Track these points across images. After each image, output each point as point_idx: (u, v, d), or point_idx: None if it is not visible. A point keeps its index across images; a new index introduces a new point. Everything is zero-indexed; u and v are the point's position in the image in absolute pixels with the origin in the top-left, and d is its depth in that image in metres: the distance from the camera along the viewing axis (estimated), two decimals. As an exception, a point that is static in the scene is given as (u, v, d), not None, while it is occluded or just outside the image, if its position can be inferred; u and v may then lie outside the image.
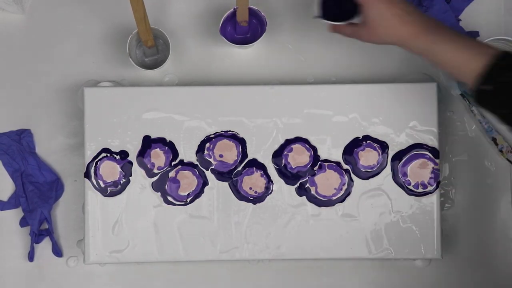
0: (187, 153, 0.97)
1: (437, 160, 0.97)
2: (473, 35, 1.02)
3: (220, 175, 0.97)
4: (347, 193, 0.97)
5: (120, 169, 0.97)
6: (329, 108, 0.97)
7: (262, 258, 0.97)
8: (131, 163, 0.97)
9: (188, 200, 0.97)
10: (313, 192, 0.97)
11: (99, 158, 0.97)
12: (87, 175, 0.97)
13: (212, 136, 0.98)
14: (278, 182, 0.97)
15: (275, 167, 0.97)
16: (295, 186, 0.97)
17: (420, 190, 0.97)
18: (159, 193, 0.97)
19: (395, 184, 0.97)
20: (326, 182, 0.97)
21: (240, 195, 0.97)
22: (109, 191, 0.97)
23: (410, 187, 0.97)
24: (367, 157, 0.97)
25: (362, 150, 0.97)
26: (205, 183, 0.97)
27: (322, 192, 0.97)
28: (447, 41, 0.78)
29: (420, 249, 0.96)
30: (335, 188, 0.97)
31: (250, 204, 0.97)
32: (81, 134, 0.98)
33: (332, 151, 0.97)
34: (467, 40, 0.77)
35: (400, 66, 1.03)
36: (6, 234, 1.02)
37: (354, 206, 0.97)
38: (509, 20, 1.03)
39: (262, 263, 1.01)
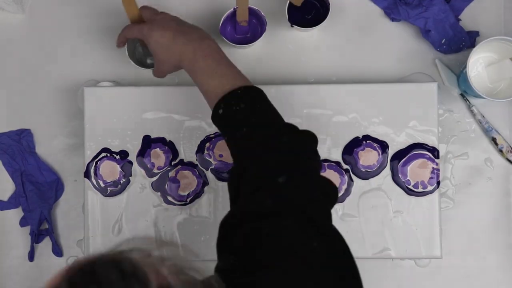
0: (187, 153, 0.97)
1: (437, 160, 0.97)
2: (473, 35, 1.02)
3: (220, 175, 0.97)
4: (347, 193, 0.97)
5: (120, 169, 0.97)
6: (329, 108, 0.97)
7: (262, 258, 0.97)
8: (131, 163, 0.97)
9: (188, 200, 0.97)
10: (313, 192, 0.97)
11: (99, 158, 0.97)
12: (87, 175, 0.97)
13: (212, 136, 0.98)
14: (278, 182, 0.97)
15: (275, 167, 0.97)
16: (295, 186, 0.97)
17: (420, 190, 0.97)
18: (159, 193, 0.97)
19: (395, 184, 0.97)
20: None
21: (240, 195, 0.97)
22: (109, 191, 0.97)
23: (410, 187, 0.97)
24: (367, 157, 0.97)
25: (362, 150, 0.97)
26: (205, 183, 0.97)
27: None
28: (205, 67, 0.81)
29: (420, 249, 0.96)
30: (335, 188, 0.97)
31: (250, 204, 0.97)
32: (81, 134, 0.98)
33: (332, 151, 0.97)
34: (226, 69, 0.81)
35: (400, 66, 1.03)
36: (6, 234, 1.02)
37: (354, 206, 0.97)
38: (509, 20, 1.03)
39: (262, 263, 1.01)
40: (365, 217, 0.97)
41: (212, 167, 0.97)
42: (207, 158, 0.97)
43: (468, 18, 1.03)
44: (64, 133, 1.03)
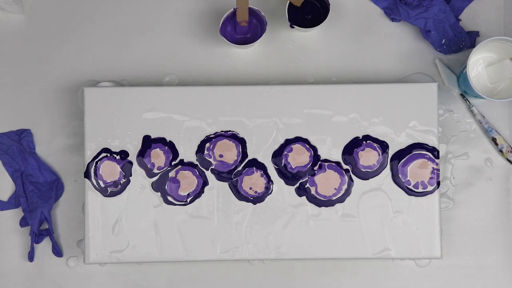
0: (187, 153, 0.97)
1: (437, 160, 0.97)
2: (473, 35, 1.02)
3: (220, 175, 0.97)
4: (347, 193, 0.97)
5: (120, 169, 0.97)
6: (329, 108, 0.98)
7: (262, 258, 0.97)
8: (131, 163, 0.97)
9: (188, 200, 0.97)
10: (313, 192, 0.97)
11: (99, 158, 0.97)
12: (87, 175, 0.97)
13: (212, 136, 0.98)
14: (278, 182, 0.97)
15: (275, 167, 0.97)
16: (295, 186, 0.97)
17: (420, 190, 0.97)
18: (159, 193, 0.97)
19: (395, 184, 0.97)
20: (326, 182, 0.97)
21: (240, 195, 0.97)
22: (109, 191, 0.97)
23: (410, 187, 0.97)
24: (367, 157, 0.97)
25: (362, 150, 0.97)
26: (205, 183, 0.97)
27: (322, 192, 0.97)
28: None
29: (420, 249, 0.96)
30: (335, 188, 0.97)
31: (250, 204, 0.97)
32: (81, 134, 0.98)
33: (332, 151, 0.97)
34: None
35: (400, 66, 1.03)
36: (6, 234, 1.02)
37: (354, 206, 0.97)
38: (509, 20, 1.03)
39: (262, 263, 1.01)
40: (365, 217, 0.97)
41: (212, 167, 0.97)
42: (207, 158, 0.97)
43: (468, 18, 1.03)
44: (64, 133, 1.03)
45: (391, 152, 0.97)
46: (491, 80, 0.99)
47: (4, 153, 1.02)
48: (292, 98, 0.97)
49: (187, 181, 0.97)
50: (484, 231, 1.02)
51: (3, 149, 1.02)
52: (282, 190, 0.97)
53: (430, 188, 0.97)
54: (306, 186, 0.97)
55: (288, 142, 0.97)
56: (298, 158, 0.97)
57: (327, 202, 0.97)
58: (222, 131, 0.97)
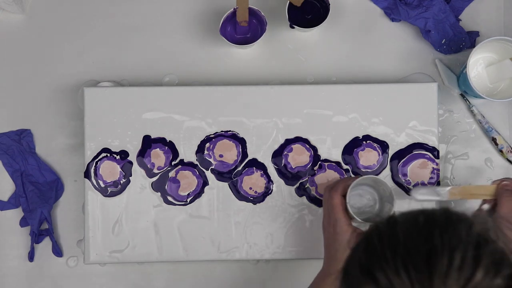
0: (187, 153, 0.97)
1: (437, 160, 0.97)
2: (473, 35, 1.02)
3: (220, 175, 0.97)
4: (347, 193, 0.97)
5: (120, 169, 0.97)
6: (329, 108, 0.98)
7: (262, 258, 0.97)
8: (131, 163, 0.97)
9: (188, 200, 0.97)
10: (313, 192, 0.97)
11: (99, 158, 0.97)
12: (87, 175, 0.97)
13: (212, 136, 0.98)
14: (278, 182, 0.97)
15: (275, 167, 0.97)
16: (295, 186, 0.97)
17: (420, 190, 0.97)
18: (159, 193, 0.97)
19: (395, 184, 0.97)
20: (326, 182, 0.97)
21: (240, 195, 0.97)
22: (109, 191, 0.97)
23: (410, 187, 0.97)
24: (367, 157, 0.97)
25: (362, 150, 0.97)
26: (205, 183, 0.97)
27: (322, 192, 0.97)
28: None
29: (420, 249, 0.96)
30: (335, 188, 0.97)
31: (250, 204, 0.97)
32: (81, 134, 0.98)
33: (332, 151, 0.97)
34: None
35: (400, 66, 1.03)
36: (6, 234, 1.02)
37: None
38: (509, 20, 1.03)
39: (262, 263, 1.01)
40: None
41: (212, 167, 0.97)
42: (207, 158, 0.97)
43: (468, 18, 1.03)
44: (64, 133, 1.03)
45: (391, 152, 0.97)
46: (491, 80, 0.99)
47: (4, 153, 1.02)
48: (292, 98, 0.97)
49: (187, 181, 0.97)
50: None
51: (3, 149, 1.02)
52: (282, 190, 0.97)
53: (430, 188, 0.96)
54: (306, 186, 0.97)
55: (288, 142, 0.97)
56: (298, 158, 0.97)
57: (327, 202, 0.97)
58: (222, 131, 0.97)
